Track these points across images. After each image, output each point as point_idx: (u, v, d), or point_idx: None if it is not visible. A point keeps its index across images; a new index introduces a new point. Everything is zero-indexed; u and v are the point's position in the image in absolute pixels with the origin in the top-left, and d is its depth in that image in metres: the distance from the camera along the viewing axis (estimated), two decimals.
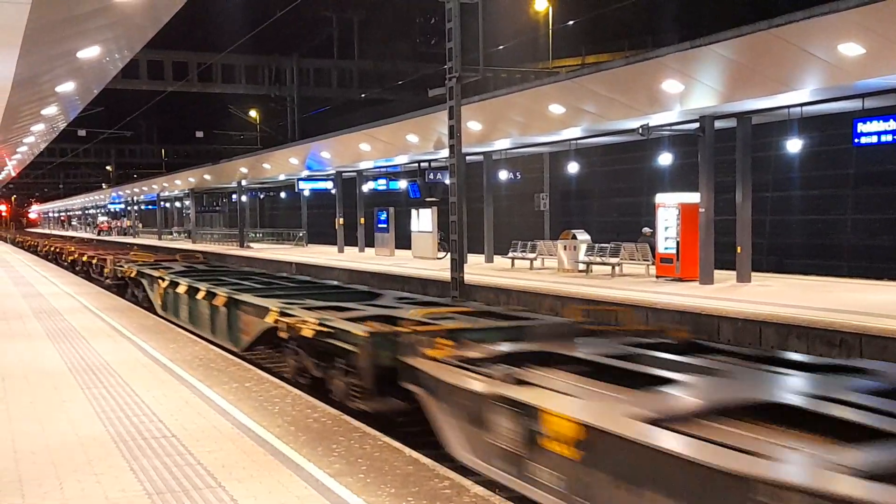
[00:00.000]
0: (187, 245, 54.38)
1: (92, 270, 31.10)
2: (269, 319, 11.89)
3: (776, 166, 30.16)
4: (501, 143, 27.74)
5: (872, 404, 5.76)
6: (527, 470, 6.34)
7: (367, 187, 39.61)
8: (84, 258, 33.64)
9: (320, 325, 10.22)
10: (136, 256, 28.80)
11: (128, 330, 15.73)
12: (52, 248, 45.70)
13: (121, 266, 24.79)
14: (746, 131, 20.04)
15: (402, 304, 12.94)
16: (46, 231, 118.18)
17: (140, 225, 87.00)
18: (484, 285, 21.79)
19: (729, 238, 21.41)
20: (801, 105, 18.24)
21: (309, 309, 11.81)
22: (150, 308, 20.15)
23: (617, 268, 23.14)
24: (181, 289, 17.31)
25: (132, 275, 23.00)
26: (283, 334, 11.29)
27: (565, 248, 25.00)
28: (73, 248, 39.00)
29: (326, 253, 40.08)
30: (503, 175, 32.26)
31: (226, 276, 19.99)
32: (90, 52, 17.58)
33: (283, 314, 11.53)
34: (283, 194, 64.93)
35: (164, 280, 19.06)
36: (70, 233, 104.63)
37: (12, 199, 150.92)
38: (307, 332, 10.41)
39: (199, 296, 15.82)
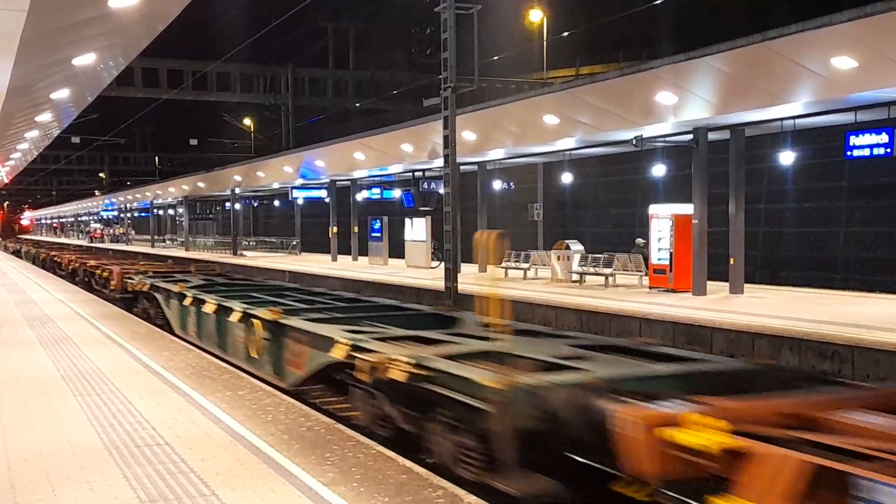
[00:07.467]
0: (180, 253, 54.27)
1: (95, 282, 28.77)
2: (337, 354, 9.57)
3: (769, 178, 30.28)
4: (496, 153, 27.80)
5: None
6: None
7: (360, 196, 39.63)
8: (86, 268, 31.17)
9: (418, 366, 7.94)
10: (146, 267, 26.47)
11: (121, 337, 15.70)
12: (47, 256, 44.94)
13: (130, 279, 22.11)
14: (740, 143, 20.13)
15: (495, 332, 9.87)
16: (39, 238, 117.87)
17: (133, 232, 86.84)
18: (477, 295, 21.79)
19: (722, 250, 21.47)
20: (795, 118, 18.34)
21: (383, 340, 9.63)
22: (166, 327, 17.94)
23: (610, 278, 23.17)
24: (208, 307, 14.61)
25: (144, 289, 20.29)
26: (362, 375, 8.87)
27: (559, 259, 25.03)
28: (72, 257, 36.80)
29: (320, 261, 40.06)
30: (497, 185, 32.30)
31: (256, 291, 16.97)
32: (85, 60, 17.58)
33: (356, 348, 9.23)
34: (276, 202, 64.83)
35: (185, 296, 16.31)
36: (63, 239, 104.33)
37: (4, 205, 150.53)
38: (397, 375, 8.16)
39: (233, 317, 13.29)
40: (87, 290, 27.93)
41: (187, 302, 16.09)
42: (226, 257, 47.09)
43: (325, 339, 10.10)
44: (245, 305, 13.36)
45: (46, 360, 13.15)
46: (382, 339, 9.68)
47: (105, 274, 25.91)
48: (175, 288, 17.44)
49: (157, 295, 19.13)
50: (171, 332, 17.04)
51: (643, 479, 5.82)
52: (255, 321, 12.36)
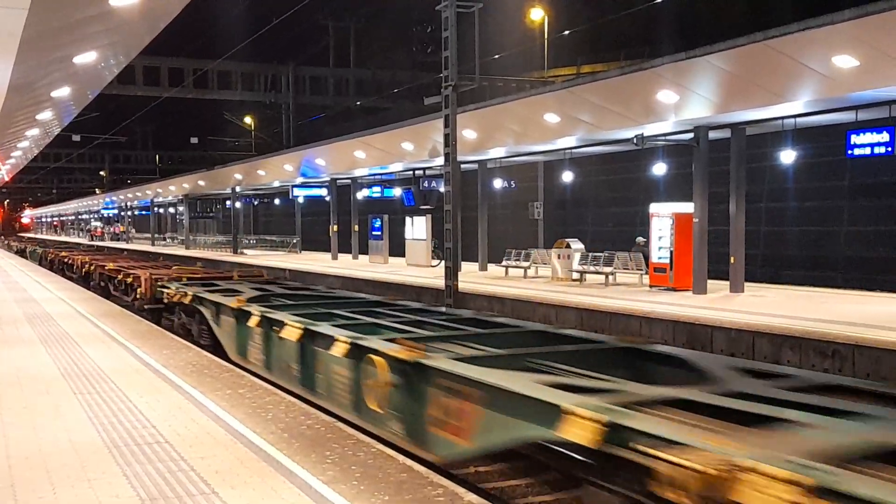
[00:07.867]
0: (180, 251, 54.28)
1: (114, 287, 24.87)
2: (574, 434, 5.63)
3: (770, 177, 30.27)
4: (496, 152, 27.80)
5: None
6: None
7: (361, 195, 39.66)
8: (103, 271, 26.91)
9: (824, 492, 4.05)
10: (179, 272, 22.19)
11: (121, 335, 15.69)
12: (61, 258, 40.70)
13: (166, 287, 18.26)
14: (741, 142, 20.13)
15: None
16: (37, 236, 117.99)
17: (133, 230, 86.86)
18: (478, 293, 21.81)
19: (723, 248, 21.47)
20: (796, 116, 18.33)
21: (628, 407, 5.76)
22: (211, 348, 14.61)
23: (610, 277, 23.17)
24: (289, 333, 10.65)
25: (185, 300, 16.31)
26: (672, 493, 4.79)
27: (559, 257, 25.04)
28: (85, 259, 32.77)
29: (320, 260, 40.07)
30: (498, 183, 32.30)
31: (335, 308, 12.97)
32: (86, 58, 17.60)
33: (615, 428, 5.36)
34: (277, 201, 64.84)
35: (249, 314, 12.55)
36: (64, 238, 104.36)
37: (5, 203, 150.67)
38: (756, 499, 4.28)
39: (336, 350, 9.30)
40: (104, 297, 25.04)
41: (252, 322, 12.37)
42: (226, 255, 47.10)
43: (537, 403, 6.15)
44: (351, 333, 9.43)
45: (47, 358, 13.15)
46: (627, 406, 5.83)
47: (129, 280, 22.22)
48: (232, 303, 13.57)
49: (201, 308, 15.50)
50: (219, 355, 13.87)
51: None
52: (375, 359, 8.47)
